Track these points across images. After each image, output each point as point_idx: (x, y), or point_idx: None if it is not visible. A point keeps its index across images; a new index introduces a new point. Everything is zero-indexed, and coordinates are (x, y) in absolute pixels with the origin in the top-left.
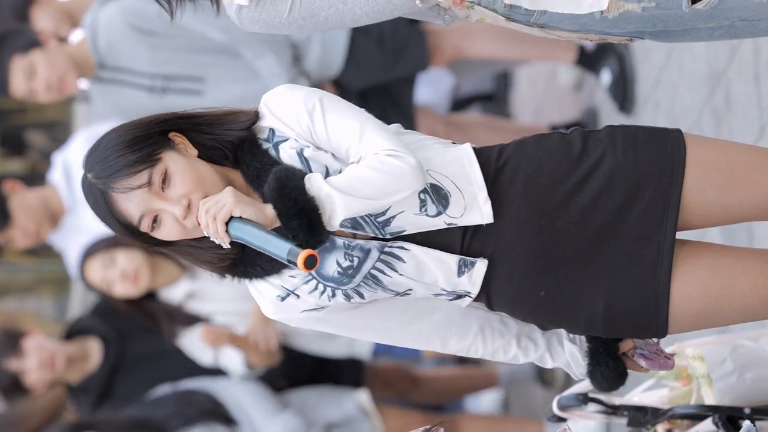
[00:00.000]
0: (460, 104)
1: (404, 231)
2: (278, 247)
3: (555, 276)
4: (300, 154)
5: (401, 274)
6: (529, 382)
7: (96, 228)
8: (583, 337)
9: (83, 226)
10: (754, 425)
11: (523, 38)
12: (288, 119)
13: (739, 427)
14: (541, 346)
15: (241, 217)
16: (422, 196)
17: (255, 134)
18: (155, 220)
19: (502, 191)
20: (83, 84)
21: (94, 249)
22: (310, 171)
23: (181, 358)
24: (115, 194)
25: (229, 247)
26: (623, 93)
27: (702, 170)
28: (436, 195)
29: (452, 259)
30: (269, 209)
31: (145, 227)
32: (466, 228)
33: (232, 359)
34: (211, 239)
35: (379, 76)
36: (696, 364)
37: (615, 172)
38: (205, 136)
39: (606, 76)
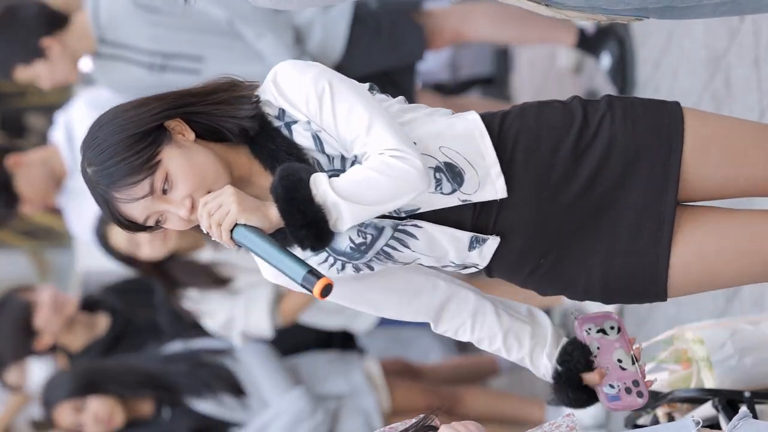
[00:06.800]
0: (459, 87)
1: (419, 209)
2: (292, 270)
3: (555, 246)
4: (315, 136)
5: (413, 251)
6: None
7: None
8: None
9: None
10: (754, 409)
11: (523, 21)
12: (297, 102)
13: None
14: (525, 348)
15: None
16: (437, 175)
17: (263, 111)
18: (160, 216)
19: (503, 165)
20: (85, 66)
21: None
22: (324, 152)
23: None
24: (118, 203)
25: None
26: (623, 76)
27: (700, 143)
28: (451, 173)
29: (465, 236)
30: (274, 213)
31: (151, 224)
32: (476, 203)
33: (258, 319)
34: (213, 239)
35: (376, 64)
36: (696, 347)
37: (613, 141)
38: (204, 120)
39: (606, 59)
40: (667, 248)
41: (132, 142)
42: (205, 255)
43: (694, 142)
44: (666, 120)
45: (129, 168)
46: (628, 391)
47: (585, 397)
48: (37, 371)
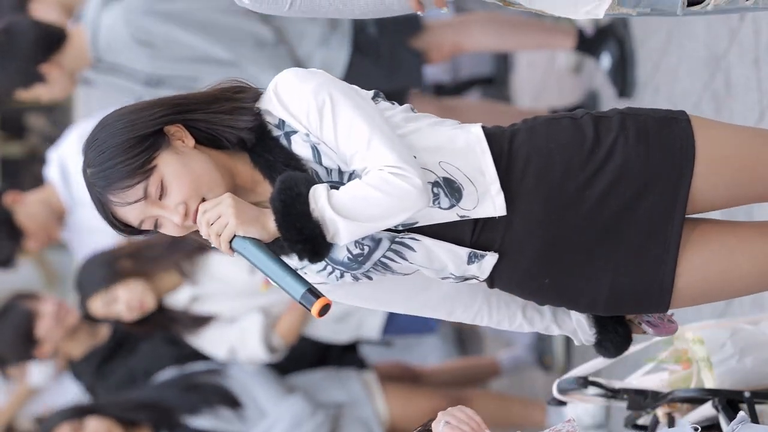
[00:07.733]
0: (459, 87)
1: (416, 223)
2: (291, 287)
3: (560, 266)
4: (314, 148)
5: (411, 262)
6: (530, 367)
7: (98, 226)
8: None
9: (85, 225)
10: (754, 409)
11: (520, 28)
12: (297, 114)
13: (739, 411)
14: (547, 315)
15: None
16: (435, 190)
17: (263, 118)
18: (156, 221)
19: (513, 185)
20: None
21: (91, 289)
22: (322, 164)
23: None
24: (113, 205)
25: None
26: (623, 77)
27: (710, 167)
28: (449, 188)
29: (463, 251)
30: (272, 225)
31: (146, 228)
32: (476, 220)
33: (253, 348)
34: (213, 246)
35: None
36: (696, 347)
37: (625, 166)
38: (203, 128)
39: (606, 60)
40: (671, 272)
41: (129, 145)
42: (184, 293)
43: (705, 167)
44: (677, 143)
45: (124, 171)
46: (661, 319)
47: (628, 332)
48: (37, 372)
